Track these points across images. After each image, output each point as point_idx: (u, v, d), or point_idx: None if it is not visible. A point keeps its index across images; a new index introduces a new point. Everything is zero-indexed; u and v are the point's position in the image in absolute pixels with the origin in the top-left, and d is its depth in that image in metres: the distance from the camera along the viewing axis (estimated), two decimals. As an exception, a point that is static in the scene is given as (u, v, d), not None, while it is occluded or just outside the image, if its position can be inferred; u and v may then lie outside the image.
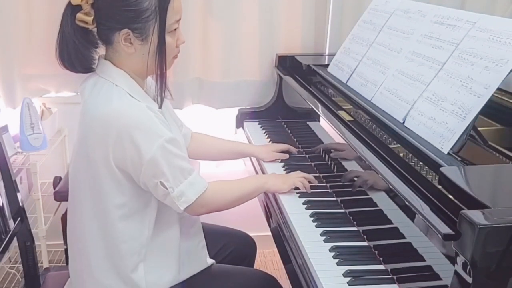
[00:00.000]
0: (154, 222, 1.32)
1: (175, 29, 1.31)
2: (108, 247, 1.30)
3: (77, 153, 1.32)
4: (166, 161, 1.24)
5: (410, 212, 1.10)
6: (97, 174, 1.26)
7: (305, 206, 1.47)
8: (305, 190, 1.51)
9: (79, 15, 1.24)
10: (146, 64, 1.28)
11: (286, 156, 1.77)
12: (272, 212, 1.53)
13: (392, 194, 1.19)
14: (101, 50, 1.35)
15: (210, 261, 1.48)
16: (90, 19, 1.25)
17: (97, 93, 1.27)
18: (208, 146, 1.71)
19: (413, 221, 1.10)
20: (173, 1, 1.27)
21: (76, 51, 1.28)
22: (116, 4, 1.23)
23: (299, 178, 1.53)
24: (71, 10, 1.25)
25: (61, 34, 1.28)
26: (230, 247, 1.62)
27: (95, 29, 1.29)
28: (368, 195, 1.34)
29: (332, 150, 1.61)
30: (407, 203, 1.05)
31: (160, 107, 1.32)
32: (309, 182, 1.53)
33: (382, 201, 1.26)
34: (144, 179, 1.25)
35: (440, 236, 0.91)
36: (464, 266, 0.86)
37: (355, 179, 1.40)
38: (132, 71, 1.30)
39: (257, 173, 1.77)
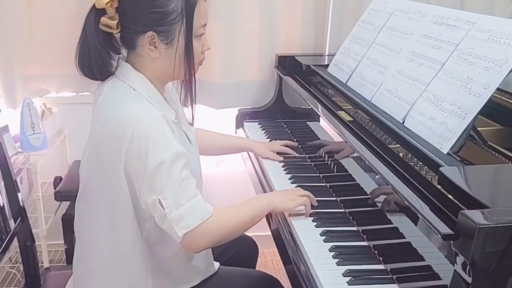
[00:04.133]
0: (158, 243, 1.29)
1: (201, 34, 1.27)
2: (117, 263, 1.28)
3: (89, 161, 1.27)
4: (170, 176, 1.16)
5: (410, 212, 1.10)
6: (108, 188, 1.22)
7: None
8: (307, 210, 1.40)
9: (104, 19, 1.21)
10: (173, 69, 1.24)
11: (280, 158, 1.77)
12: (272, 212, 1.53)
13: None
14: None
15: (216, 265, 1.47)
16: (114, 23, 1.22)
17: (112, 95, 1.23)
18: (211, 141, 1.73)
19: (413, 221, 1.10)
20: (199, 4, 1.23)
21: (97, 56, 1.24)
22: (142, 5, 1.20)
23: (306, 196, 1.41)
24: (95, 14, 1.22)
25: (83, 39, 1.24)
26: (232, 250, 1.62)
27: (118, 34, 1.25)
28: (367, 195, 1.34)
29: (333, 152, 1.62)
30: (407, 203, 1.06)
31: (192, 118, 1.34)
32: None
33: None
34: (144, 196, 1.18)
35: (439, 236, 0.91)
36: (464, 266, 0.86)
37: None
38: (154, 76, 1.27)
39: (256, 173, 1.78)
